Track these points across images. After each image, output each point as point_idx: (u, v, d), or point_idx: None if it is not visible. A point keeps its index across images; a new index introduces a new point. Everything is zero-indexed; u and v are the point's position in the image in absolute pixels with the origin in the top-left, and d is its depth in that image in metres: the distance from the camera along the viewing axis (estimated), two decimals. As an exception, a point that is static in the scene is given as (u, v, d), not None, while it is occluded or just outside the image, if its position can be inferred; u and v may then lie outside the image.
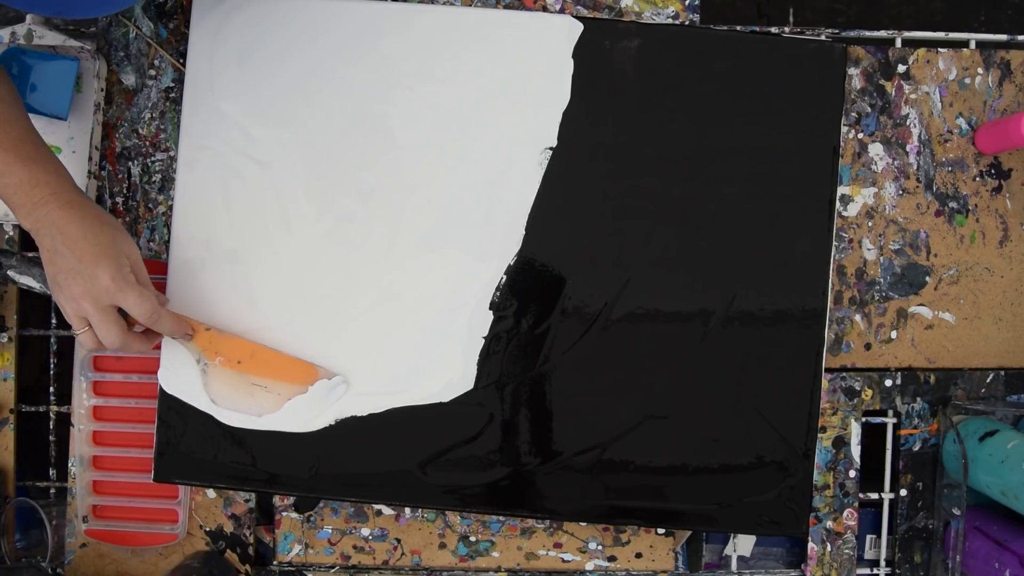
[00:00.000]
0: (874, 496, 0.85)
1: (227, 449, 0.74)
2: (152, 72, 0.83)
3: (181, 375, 0.74)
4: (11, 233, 0.84)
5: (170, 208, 0.81)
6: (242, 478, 0.75)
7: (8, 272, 0.72)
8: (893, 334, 0.84)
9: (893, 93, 0.84)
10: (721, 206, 0.73)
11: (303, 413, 0.73)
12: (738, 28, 0.80)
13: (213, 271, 0.74)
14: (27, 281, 0.72)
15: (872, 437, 0.85)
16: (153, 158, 0.83)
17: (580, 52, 0.74)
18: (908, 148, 0.84)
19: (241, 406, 0.73)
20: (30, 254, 0.75)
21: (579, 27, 0.74)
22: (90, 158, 0.81)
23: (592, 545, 0.85)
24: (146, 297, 0.65)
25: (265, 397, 0.73)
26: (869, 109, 0.84)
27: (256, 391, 0.73)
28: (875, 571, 0.86)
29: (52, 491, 0.87)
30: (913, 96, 0.84)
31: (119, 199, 0.83)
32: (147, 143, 0.83)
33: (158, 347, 0.75)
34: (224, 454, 0.74)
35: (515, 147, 0.74)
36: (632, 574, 0.85)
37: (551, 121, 0.74)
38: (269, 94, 0.74)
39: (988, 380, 0.84)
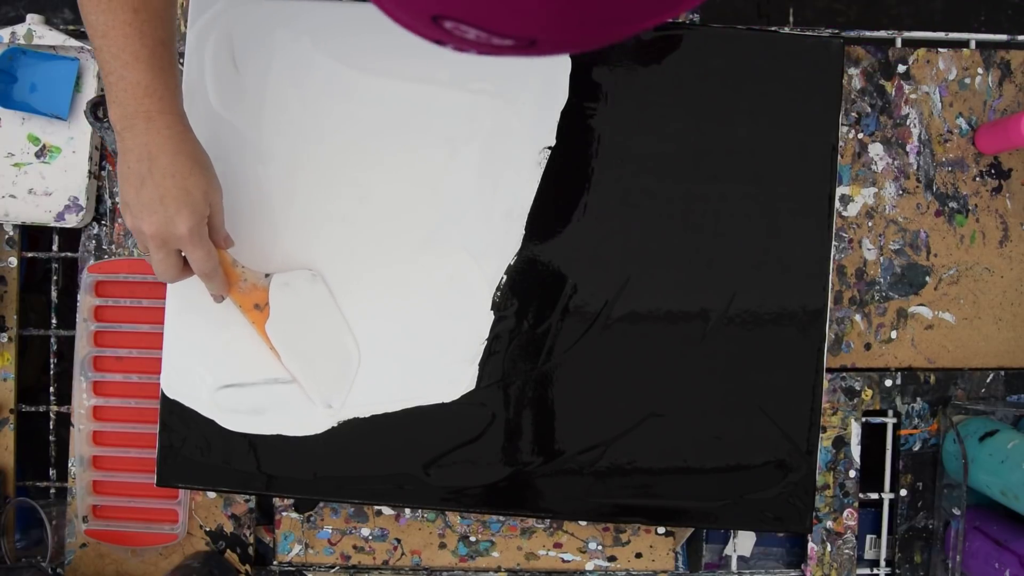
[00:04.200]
0: (874, 496, 0.85)
1: (229, 453, 0.74)
2: (152, 72, 0.83)
3: (183, 380, 0.74)
4: (11, 233, 0.84)
5: (170, 208, 0.81)
6: (245, 482, 0.74)
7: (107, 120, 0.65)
8: (893, 334, 0.84)
9: (893, 93, 0.84)
10: (720, 204, 0.73)
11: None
12: (738, 27, 0.80)
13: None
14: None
15: (872, 437, 0.85)
16: (153, 158, 0.83)
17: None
18: (908, 148, 0.84)
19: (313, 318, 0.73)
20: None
21: (578, 27, 0.74)
22: (90, 158, 0.81)
23: (592, 545, 0.85)
24: (211, 256, 0.64)
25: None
26: (869, 109, 0.84)
27: (263, 280, 0.72)
28: (875, 571, 0.86)
29: (52, 491, 0.87)
30: (913, 96, 0.84)
31: (119, 199, 0.83)
32: (147, 143, 0.83)
33: (159, 347, 0.75)
34: (226, 458, 0.74)
35: (514, 147, 0.74)
36: (632, 574, 0.85)
37: (550, 120, 0.74)
38: (266, 95, 0.74)
39: (988, 380, 0.84)
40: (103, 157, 0.83)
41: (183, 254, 0.65)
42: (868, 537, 0.87)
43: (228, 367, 0.74)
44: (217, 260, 0.66)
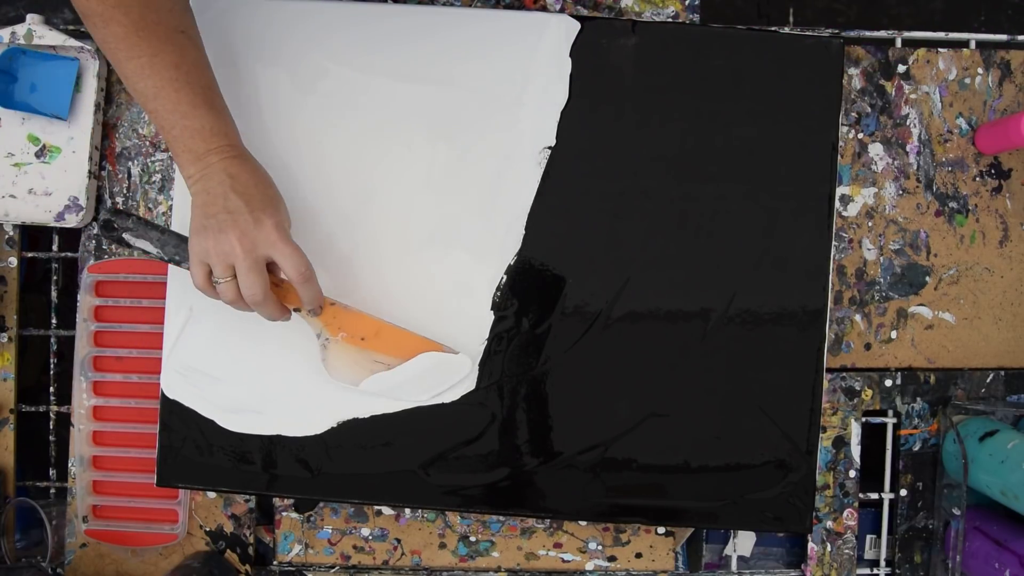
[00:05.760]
0: (874, 496, 0.85)
1: (229, 453, 0.74)
2: (152, 72, 0.83)
3: (183, 380, 0.74)
4: (11, 233, 0.84)
5: (170, 208, 0.81)
6: (245, 482, 0.75)
7: (124, 235, 0.69)
8: (893, 334, 0.84)
9: (893, 93, 0.84)
10: (720, 204, 0.73)
11: (412, 389, 0.72)
12: (738, 27, 0.80)
13: (213, 271, 0.74)
14: (144, 245, 0.69)
15: (872, 437, 0.85)
16: (153, 158, 0.83)
17: (578, 51, 0.74)
18: (908, 148, 0.84)
19: (357, 381, 0.72)
20: (145, 218, 0.71)
21: (576, 26, 0.74)
22: (90, 158, 0.81)
23: (592, 545, 0.85)
24: (302, 254, 0.65)
25: (384, 375, 0.72)
26: (869, 109, 0.84)
27: (377, 368, 0.72)
28: (875, 571, 0.86)
29: (52, 491, 0.87)
30: (913, 96, 0.84)
31: (119, 199, 0.83)
32: (147, 143, 0.83)
33: (159, 347, 0.75)
34: (226, 458, 0.74)
35: (514, 147, 0.74)
36: (632, 574, 0.85)
37: (550, 120, 0.74)
38: (266, 95, 0.74)
39: (988, 380, 0.84)
40: (103, 157, 0.83)
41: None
42: (868, 537, 0.87)
43: (229, 368, 0.74)
44: (308, 261, 0.65)
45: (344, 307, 0.71)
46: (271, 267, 0.66)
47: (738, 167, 0.74)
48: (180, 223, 0.74)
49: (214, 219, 0.63)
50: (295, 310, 0.69)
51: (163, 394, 0.74)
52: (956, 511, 0.80)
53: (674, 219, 0.74)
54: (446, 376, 0.72)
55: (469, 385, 0.73)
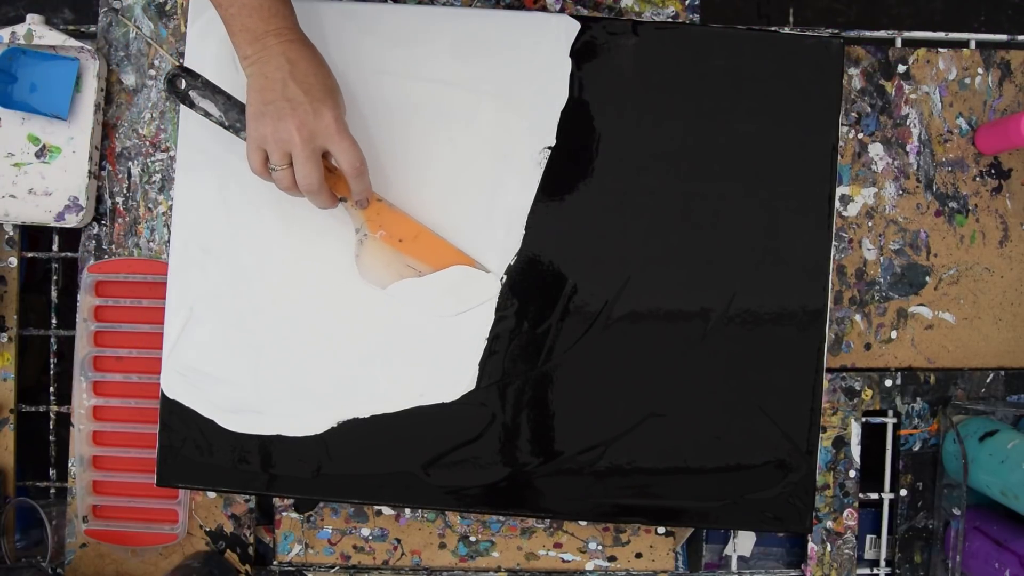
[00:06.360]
0: (874, 496, 0.85)
1: (229, 453, 0.74)
2: (152, 72, 0.83)
3: (183, 380, 0.74)
4: (11, 233, 0.84)
5: (170, 208, 0.81)
6: (245, 482, 0.74)
7: (191, 93, 0.69)
8: (893, 334, 0.84)
9: (893, 93, 0.84)
10: (720, 204, 0.73)
11: (438, 301, 0.73)
12: (738, 27, 0.80)
13: (213, 272, 0.74)
14: (207, 106, 0.70)
15: (872, 437, 0.85)
16: (153, 158, 0.83)
17: (578, 51, 0.74)
18: (908, 148, 0.84)
19: (385, 283, 0.73)
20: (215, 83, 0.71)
21: (576, 26, 0.74)
22: (90, 158, 0.81)
23: (592, 545, 0.85)
24: (357, 148, 0.65)
25: (413, 282, 0.72)
26: (869, 109, 0.84)
27: (408, 273, 0.72)
28: (875, 571, 0.86)
29: (52, 491, 0.87)
30: (913, 96, 0.84)
31: (119, 199, 0.83)
32: (147, 143, 0.83)
33: (159, 347, 0.75)
34: (226, 458, 0.74)
35: (514, 146, 0.74)
36: (632, 574, 0.85)
37: (550, 120, 0.74)
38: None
39: (988, 380, 0.84)
40: (103, 157, 0.83)
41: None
42: (868, 537, 0.87)
43: (230, 367, 0.74)
44: (363, 154, 0.66)
45: (389, 205, 0.72)
46: (324, 155, 0.66)
47: (738, 167, 0.74)
48: (180, 223, 0.74)
49: (272, 105, 0.63)
50: (341, 199, 0.70)
51: (163, 394, 0.74)
52: (956, 511, 0.80)
53: (674, 219, 0.74)
54: (473, 294, 0.73)
55: (469, 385, 0.73)
